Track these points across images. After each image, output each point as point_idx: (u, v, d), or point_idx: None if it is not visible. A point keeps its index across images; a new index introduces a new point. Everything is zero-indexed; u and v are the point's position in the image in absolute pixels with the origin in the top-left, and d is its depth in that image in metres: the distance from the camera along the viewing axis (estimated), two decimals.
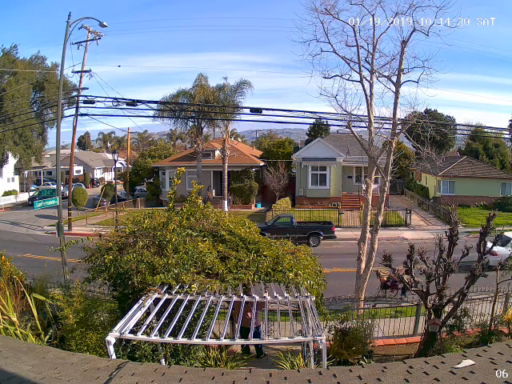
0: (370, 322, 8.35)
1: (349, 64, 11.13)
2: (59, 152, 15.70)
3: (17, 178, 45.27)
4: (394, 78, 10.88)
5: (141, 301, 5.13)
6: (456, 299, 7.54)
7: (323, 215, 27.14)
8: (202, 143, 32.37)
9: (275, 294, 5.76)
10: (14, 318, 5.94)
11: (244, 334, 6.85)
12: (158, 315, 5.11)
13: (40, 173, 56.45)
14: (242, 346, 8.39)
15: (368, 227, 11.86)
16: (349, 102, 11.04)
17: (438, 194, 34.55)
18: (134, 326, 4.59)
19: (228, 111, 27.00)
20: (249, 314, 7.25)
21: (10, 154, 37.53)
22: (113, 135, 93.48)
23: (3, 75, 34.64)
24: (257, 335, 7.41)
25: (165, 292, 5.48)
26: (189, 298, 5.30)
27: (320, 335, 4.42)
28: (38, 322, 6.32)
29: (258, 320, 7.99)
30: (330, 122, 44.11)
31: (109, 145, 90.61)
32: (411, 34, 10.47)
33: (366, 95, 11.15)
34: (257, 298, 5.48)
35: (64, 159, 39.52)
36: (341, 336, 7.84)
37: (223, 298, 5.35)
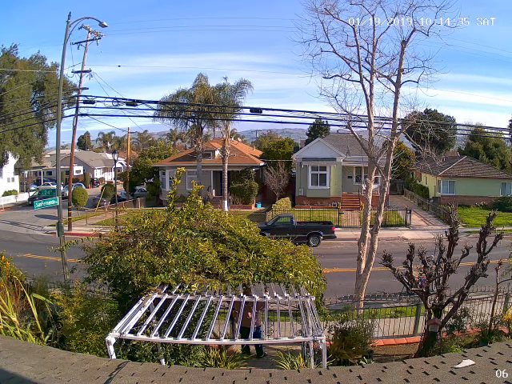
0: (369, 321, 8.35)
1: (349, 64, 11.14)
2: (59, 152, 15.72)
3: (17, 177, 45.26)
4: (394, 78, 10.88)
5: (141, 301, 5.12)
6: (456, 299, 7.54)
7: (323, 215, 27.13)
8: (202, 143, 32.36)
9: (275, 294, 5.76)
10: (14, 318, 5.93)
11: (244, 334, 6.86)
12: (158, 315, 5.11)
13: (40, 173, 56.44)
14: (242, 345, 8.39)
15: (368, 227, 11.86)
16: (349, 102, 11.08)
17: (438, 194, 34.55)
18: (134, 326, 4.59)
19: (228, 111, 26.98)
20: (249, 313, 7.25)
21: (9, 154, 37.52)
22: (113, 135, 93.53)
23: (3, 75, 34.62)
24: (257, 335, 7.41)
25: (165, 292, 5.48)
26: (189, 297, 5.30)
27: (320, 335, 4.42)
28: (37, 322, 6.31)
29: (258, 320, 7.99)
30: (330, 122, 44.39)
31: (109, 145, 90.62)
32: (411, 34, 10.48)
33: (365, 95, 11.15)
34: (257, 297, 5.48)
35: (64, 159, 39.52)
36: (341, 336, 7.84)
37: (223, 298, 5.35)
